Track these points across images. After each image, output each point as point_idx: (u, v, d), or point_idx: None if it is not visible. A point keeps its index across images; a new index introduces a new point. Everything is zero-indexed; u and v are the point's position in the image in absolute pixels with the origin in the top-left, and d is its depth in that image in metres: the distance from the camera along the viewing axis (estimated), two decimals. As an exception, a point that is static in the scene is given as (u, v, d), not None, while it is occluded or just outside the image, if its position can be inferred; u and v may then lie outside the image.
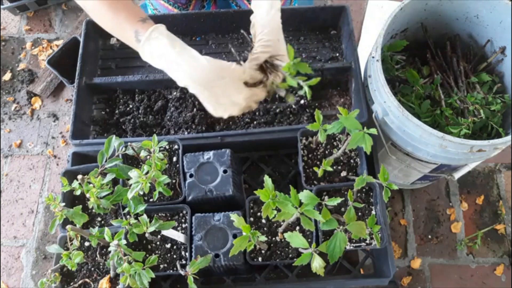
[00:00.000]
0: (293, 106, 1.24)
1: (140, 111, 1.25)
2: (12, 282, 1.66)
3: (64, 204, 0.90)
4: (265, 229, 1.02)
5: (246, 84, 0.87)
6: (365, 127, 0.89)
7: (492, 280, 1.61)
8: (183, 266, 0.96)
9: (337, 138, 1.11)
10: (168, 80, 1.24)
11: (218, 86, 0.84)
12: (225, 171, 1.03)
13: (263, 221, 1.03)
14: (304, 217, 0.83)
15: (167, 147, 1.11)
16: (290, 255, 0.98)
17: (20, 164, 1.86)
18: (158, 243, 1.01)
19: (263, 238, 0.86)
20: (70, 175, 1.05)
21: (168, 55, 0.84)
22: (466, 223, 1.70)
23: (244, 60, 0.90)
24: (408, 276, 1.62)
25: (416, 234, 1.68)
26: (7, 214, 1.77)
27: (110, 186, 0.91)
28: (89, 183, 0.90)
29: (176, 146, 1.11)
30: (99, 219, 1.07)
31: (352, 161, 1.09)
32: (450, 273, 1.63)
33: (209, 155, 1.06)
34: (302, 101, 1.25)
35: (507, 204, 1.72)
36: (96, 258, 1.02)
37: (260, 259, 0.98)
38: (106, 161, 0.94)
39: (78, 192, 0.90)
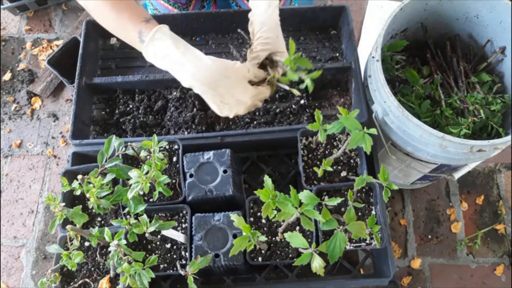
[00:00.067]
0: (293, 106, 1.24)
1: (140, 111, 1.25)
2: (12, 282, 1.66)
3: (64, 204, 0.90)
4: (265, 229, 1.02)
5: (251, 83, 0.87)
6: (365, 127, 0.89)
7: (492, 280, 1.61)
8: (183, 266, 0.96)
9: (337, 138, 1.11)
10: (168, 80, 1.25)
11: (223, 86, 0.84)
12: (225, 171, 1.03)
13: (263, 221, 1.03)
14: (304, 217, 0.83)
15: (167, 147, 1.11)
16: (290, 255, 0.98)
17: (20, 164, 1.86)
18: (158, 243, 1.01)
19: (263, 238, 0.86)
20: (70, 175, 1.05)
21: (172, 56, 0.84)
22: (466, 223, 1.70)
23: (244, 59, 0.90)
24: (408, 276, 1.62)
25: (416, 234, 1.68)
26: (7, 214, 1.77)
27: (110, 186, 0.91)
28: (89, 183, 0.90)
29: (176, 146, 1.11)
30: (99, 219, 1.07)
31: (352, 161, 1.09)
32: (450, 273, 1.63)
33: (209, 155, 1.06)
34: (302, 101, 1.25)
35: (507, 204, 1.72)
36: (96, 258, 1.02)
37: (260, 259, 0.98)
38: (106, 161, 0.94)
39: (78, 192, 0.90)
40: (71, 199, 1.08)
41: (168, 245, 1.01)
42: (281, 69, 0.88)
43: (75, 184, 0.91)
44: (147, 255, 0.93)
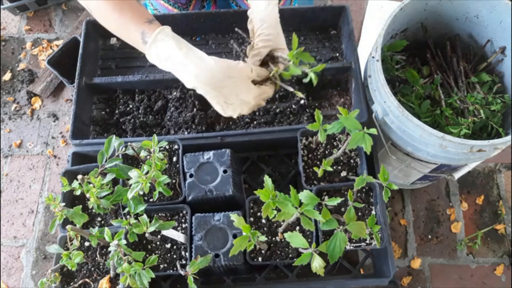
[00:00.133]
0: (293, 106, 1.24)
1: (140, 111, 1.25)
2: (12, 282, 1.66)
3: (64, 204, 0.90)
4: (265, 229, 1.02)
5: (254, 82, 0.87)
6: (365, 127, 0.89)
7: (492, 280, 1.61)
8: (183, 266, 0.96)
9: (337, 138, 1.11)
10: (168, 80, 1.25)
11: (226, 86, 0.84)
12: (225, 171, 1.03)
13: (263, 221, 1.03)
14: (304, 217, 0.83)
15: (167, 147, 1.11)
16: (290, 255, 0.98)
17: (20, 164, 1.86)
18: (158, 243, 1.01)
19: (263, 238, 0.86)
20: (70, 175, 1.05)
21: (175, 57, 0.84)
22: (466, 223, 1.70)
23: (245, 55, 0.90)
24: (408, 276, 1.62)
25: (416, 234, 1.68)
26: (7, 214, 1.77)
27: (110, 186, 0.91)
28: (89, 183, 0.90)
29: (176, 146, 1.11)
30: (99, 219, 1.07)
31: (352, 161, 1.09)
32: (450, 273, 1.63)
33: (209, 155, 1.06)
34: (302, 101, 1.25)
35: (507, 204, 1.72)
36: (96, 258, 1.02)
37: (260, 259, 0.98)
38: (106, 161, 0.94)
39: (78, 192, 0.90)
40: (71, 199, 1.08)
41: (168, 245, 1.01)
42: (283, 65, 0.88)
43: (75, 184, 0.91)
44: (147, 255, 0.93)
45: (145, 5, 1.53)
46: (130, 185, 0.88)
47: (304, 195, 0.83)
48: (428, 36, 1.30)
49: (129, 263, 0.83)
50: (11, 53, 2.08)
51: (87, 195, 0.89)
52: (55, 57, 1.85)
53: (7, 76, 2.02)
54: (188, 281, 0.86)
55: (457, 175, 1.30)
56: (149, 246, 1.01)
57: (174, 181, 1.07)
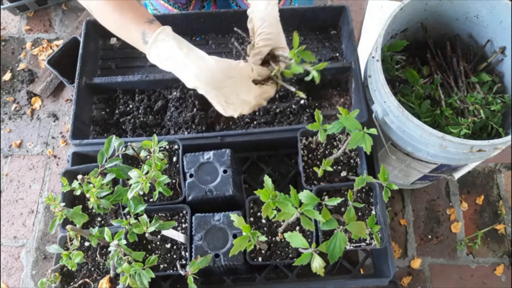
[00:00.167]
0: (293, 106, 1.24)
1: (140, 111, 1.25)
2: (12, 282, 1.66)
3: (64, 204, 0.90)
4: (265, 229, 1.02)
5: (255, 82, 0.87)
6: (365, 127, 0.89)
7: (492, 280, 1.61)
8: (183, 266, 0.96)
9: (337, 138, 1.11)
10: (168, 80, 1.25)
11: (227, 86, 0.84)
12: (225, 171, 1.03)
13: (263, 221, 1.03)
14: (304, 217, 0.83)
15: (167, 147, 1.11)
16: (290, 255, 0.98)
17: (20, 164, 1.86)
18: (158, 243, 1.01)
19: (263, 238, 0.86)
20: (70, 175, 1.05)
21: (175, 57, 0.84)
22: (466, 223, 1.70)
23: (246, 53, 0.90)
24: (408, 276, 1.62)
25: (416, 234, 1.68)
26: (7, 214, 1.77)
27: (110, 186, 0.91)
28: (89, 183, 0.90)
29: (176, 146, 1.11)
30: (99, 219, 1.07)
31: (352, 161, 1.09)
32: (450, 273, 1.63)
33: (209, 155, 1.06)
34: (302, 101, 1.25)
35: (507, 204, 1.72)
36: (96, 258, 1.02)
37: (260, 259, 0.98)
38: (106, 161, 0.94)
39: (78, 192, 0.90)
40: (71, 199, 1.08)
41: (168, 245, 1.01)
42: (284, 64, 0.88)
43: (75, 184, 0.91)
44: (147, 255, 0.93)
45: (145, 5, 1.53)
46: (130, 185, 0.88)
47: (304, 195, 0.83)
48: (428, 36, 1.30)
49: (129, 263, 0.83)
50: (11, 53, 2.08)
51: (87, 195, 0.89)
52: (55, 57, 1.85)
53: (7, 76, 2.02)
54: (188, 281, 0.86)
55: (457, 175, 1.30)
56: (149, 246, 1.01)
57: (174, 181, 1.07)
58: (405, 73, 1.25)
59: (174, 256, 1.00)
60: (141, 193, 0.88)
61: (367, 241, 0.97)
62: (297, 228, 1.01)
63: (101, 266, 1.02)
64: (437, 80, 1.23)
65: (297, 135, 1.08)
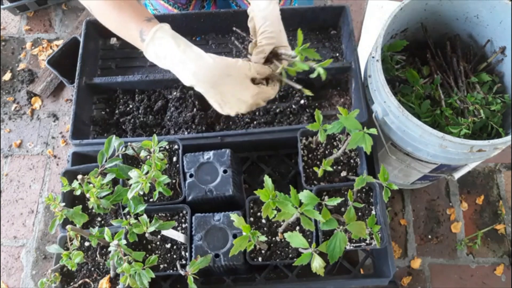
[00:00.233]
0: (293, 106, 1.24)
1: (140, 111, 1.25)
2: (12, 282, 1.66)
3: (64, 204, 0.90)
4: (265, 229, 1.02)
5: (254, 81, 0.87)
6: (365, 127, 0.89)
7: (492, 280, 1.61)
8: (183, 266, 0.96)
9: (337, 138, 1.11)
10: (168, 80, 1.25)
11: (224, 84, 0.84)
12: (225, 171, 1.03)
13: (263, 221, 1.03)
14: (304, 217, 0.83)
15: (167, 147, 1.11)
16: (290, 255, 0.98)
17: (20, 164, 1.86)
18: (158, 243, 1.01)
19: (263, 238, 0.86)
20: (70, 175, 1.05)
21: (173, 55, 0.84)
22: (466, 223, 1.70)
23: (247, 51, 0.90)
24: (408, 276, 1.62)
25: (416, 234, 1.68)
26: (7, 214, 1.77)
27: (110, 186, 0.91)
28: (89, 183, 0.90)
29: (176, 146, 1.11)
30: (99, 219, 1.07)
31: (352, 161, 1.09)
32: (450, 273, 1.63)
33: (209, 155, 1.06)
34: (302, 101, 1.25)
35: (507, 204, 1.72)
36: (96, 258, 1.02)
37: (260, 259, 0.98)
38: (106, 161, 0.94)
39: (78, 192, 0.90)
40: (71, 199, 1.08)
41: (168, 245, 1.01)
42: (286, 62, 0.88)
43: (75, 184, 0.91)
44: (147, 255, 0.93)
45: (145, 5, 1.53)
46: (130, 185, 0.88)
47: (304, 195, 0.83)
48: (428, 36, 1.30)
49: (129, 263, 0.83)
50: (11, 53, 2.08)
51: (87, 195, 0.89)
52: (55, 57, 1.85)
53: (7, 76, 2.02)
54: (188, 281, 0.86)
55: (457, 175, 1.30)
56: (149, 246, 1.01)
57: (174, 181, 1.07)
58: (405, 73, 1.25)
59: (174, 256, 1.00)
60: (141, 193, 0.88)
61: (367, 241, 0.97)
62: (297, 228, 1.01)
63: (101, 266, 1.02)
64: (437, 80, 1.23)
65: (297, 135, 1.08)
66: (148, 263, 0.85)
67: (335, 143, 1.11)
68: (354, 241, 0.97)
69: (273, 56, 0.89)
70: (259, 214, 1.03)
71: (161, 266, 0.99)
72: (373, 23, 2.02)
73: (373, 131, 0.88)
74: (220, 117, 1.23)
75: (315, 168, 1.03)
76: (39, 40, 2.10)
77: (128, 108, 1.27)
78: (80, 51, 1.26)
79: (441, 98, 1.20)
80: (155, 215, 1.00)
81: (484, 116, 1.16)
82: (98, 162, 0.93)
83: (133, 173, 0.89)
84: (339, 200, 0.85)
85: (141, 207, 0.90)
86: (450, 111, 1.17)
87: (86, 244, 1.04)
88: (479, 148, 1.02)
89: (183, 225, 1.03)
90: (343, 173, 1.07)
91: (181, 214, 1.04)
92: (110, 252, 0.86)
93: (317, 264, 0.82)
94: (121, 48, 1.36)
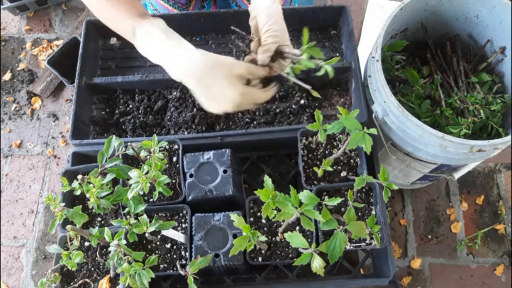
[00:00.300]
0: (293, 106, 1.24)
1: (140, 111, 1.25)
2: (12, 282, 1.66)
3: (64, 204, 0.90)
4: (265, 229, 1.02)
5: (249, 82, 0.87)
6: (365, 127, 0.89)
7: (492, 280, 1.61)
8: (183, 266, 0.96)
9: (337, 138, 1.11)
10: (168, 80, 1.24)
11: (210, 80, 0.84)
12: (225, 171, 1.03)
13: (263, 221, 1.03)
14: (304, 217, 0.83)
15: (167, 147, 1.11)
16: (290, 255, 0.98)
17: (20, 164, 1.86)
18: (158, 243, 1.01)
19: (263, 238, 0.86)
20: (70, 175, 1.05)
21: (163, 50, 0.85)
22: (466, 223, 1.70)
23: (249, 49, 0.90)
24: (408, 276, 1.62)
25: (416, 234, 1.68)
26: (7, 214, 1.77)
27: (110, 186, 0.91)
28: (89, 183, 0.90)
29: (176, 146, 1.11)
30: (99, 219, 1.07)
31: (352, 161, 1.09)
32: (450, 273, 1.63)
33: (209, 155, 1.06)
34: (302, 101, 1.25)
35: (507, 204, 1.72)
36: (96, 258, 1.02)
37: (260, 259, 0.98)
38: (106, 161, 0.94)
39: (78, 192, 0.90)
40: (71, 199, 1.08)
41: (168, 245, 1.01)
42: (289, 60, 0.88)
43: (75, 184, 0.91)
44: (147, 255, 0.93)
45: (145, 5, 1.53)
46: (130, 185, 0.88)
47: (304, 195, 0.83)
48: (428, 36, 1.30)
49: (129, 263, 0.83)
50: (11, 53, 2.08)
51: (87, 195, 0.89)
52: (55, 57, 1.85)
53: (7, 76, 2.02)
54: (188, 281, 0.86)
55: (457, 175, 1.30)
56: (149, 246, 1.01)
57: (174, 181, 1.07)
58: (405, 73, 1.25)
59: (174, 256, 1.00)
60: (141, 193, 0.88)
61: (367, 241, 0.97)
62: (297, 228, 1.01)
63: (101, 266, 1.02)
64: (437, 80, 1.23)
65: (297, 135, 1.08)
66: (148, 263, 0.85)
67: (335, 143, 1.11)
68: (354, 241, 0.97)
69: (276, 55, 0.89)
70: (259, 214, 1.03)
71: (161, 266, 0.99)
72: (373, 23, 2.02)
73: (373, 131, 0.88)
74: (220, 117, 1.23)
75: (315, 168, 1.03)
76: (39, 40, 2.10)
77: (128, 108, 1.27)
78: (80, 51, 1.26)
79: (441, 98, 1.20)
80: (155, 215, 1.00)
81: (484, 116, 1.16)
82: (98, 162, 0.93)
83: (133, 173, 0.89)
84: (339, 200, 0.85)
85: (141, 207, 0.90)
86: (450, 111, 1.17)
87: (86, 244, 1.04)
88: (479, 148, 1.02)
89: (183, 225, 1.03)
90: (343, 173, 1.07)
91: (181, 214, 1.04)
92: (110, 252, 0.86)
93: (317, 264, 0.82)
94: (121, 48, 1.36)
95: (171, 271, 0.97)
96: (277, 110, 1.24)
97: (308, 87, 0.88)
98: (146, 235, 0.92)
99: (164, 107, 1.26)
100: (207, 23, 1.34)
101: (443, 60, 1.28)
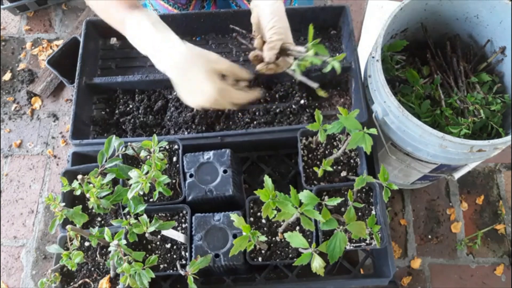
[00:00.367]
0: (293, 106, 1.24)
1: (140, 111, 1.25)
2: (12, 282, 1.66)
3: (64, 204, 0.90)
4: (265, 229, 1.02)
5: (236, 85, 0.89)
6: (365, 127, 0.89)
7: (492, 280, 1.61)
8: (183, 266, 0.96)
9: (337, 138, 1.11)
10: (168, 80, 1.23)
11: (191, 73, 0.86)
12: (225, 171, 1.03)
13: (263, 221, 1.03)
14: (304, 217, 0.83)
15: (167, 147, 1.11)
16: (290, 255, 0.98)
17: (20, 164, 1.86)
18: (158, 243, 1.01)
19: (263, 238, 0.86)
20: (70, 175, 1.05)
21: (153, 41, 0.87)
22: (466, 223, 1.70)
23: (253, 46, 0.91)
24: (408, 276, 1.62)
25: (416, 234, 1.68)
26: (7, 214, 1.77)
27: (110, 186, 0.91)
28: (89, 183, 0.90)
29: (176, 146, 1.11)
30: (99, 219, 1.07)
31: (352, 161, 1.09)
32: (450, 273, 1.63)
33: (209, 155, 1.06)
34: (302, 101, 1.25)
35: (507, 204, 1.72)
36: (96, 258, 1.02)
37: (260, 259, 0.98)
38: (106, 161, 0.94)
39: (78, 192, 0.90)
40: (71, 199, 1.08)
41: (168, 245, 1.01)
42: (293, 57, 0.88)
43: (75, 184, 0.91)
44: (147, 255, 0.93)
45: (144, 5, 1.53)
46: (130, 185, 0.88)
47: (304, 195, 0.83)
48: (428, 36, 1.30)
49: (129, 263, 0.83)
50: (11, 53, 2.08)
51: (87, 195, 0.89)
52: (55, 57, 1.85)
53: (7, 76, 2.02)
54: (188, 281, 0.86)
55: (457, 175, 1.30)
56: (149, 246, 1.01)
57: (174, 181, 1.07)
58: (405, 73, 1.25)
59: (174, 256, 1.00)
60: (141, 193, 0.88)
61: (367, 241, 0.97)
62: (297, 228, 1.01)
63: (101, 266, 1.02)
64: (437, 80, 1.23)
65: (297, 135, 1.08)
66: (148, 263, 0.85)
67: (335, 143, 1.11)
68: (354, 241, 0.97)
69: (280, 52, 0.89)
70: (259, 214, 1.03)
71: (161, 266, 0.99)
72: (373, 23, 2.02)
73: (373, 131, 0.88)
74: (220, 117, 1.23)
75: (315, 168, 1.03)
76: (39, 40, 2.10)
77: (128, 108, 1.27)
78: (80, 51, 1.26)
79: (441, 98, 1.20)
80: (155, 215, 1.00)
81: (484, 116, 1.16)
82: (98, 162, 0.93)
83: (133, 173, 0.89)
84: (339, 200, 0.85)
85: (141, 207, 0.90)
86: (450, 111, 1.17)
87: (86, 244, 1.04)
88: (479, 148, 1.02)
89: (183, 225, 1.03)
90: (343, 173, 1.07)
91: (181, 214, 1.04)
92: (110, 252, 0.86)
93: (317, 264, 0.82)
94: (121, 48, 1.36)
95: (171, 271, 0.97)
96: (277, 110, 1.24)
97: (315, 85, 0.88)
98: (146, 235, 0.92)
99: (164, 107, 1.26)
100: (207, 23, 1.34)
101: (443, 60, 1.28)
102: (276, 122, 1.22)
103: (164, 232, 0.95)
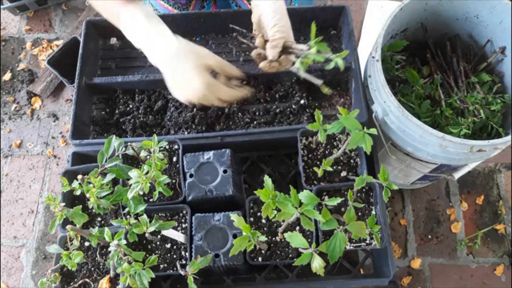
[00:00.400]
0: (293, 106, 1.24)
1: (140, 111, 1.25)
2: (12, 282, 1.66)
3: (64, 204, 0.90)
4: (265, 229, 1.02)
5: (227, 83, 0.90)
6: (365, 127, 0.89)
7: (492, 280, 1.61)
8: (183, 266, 0.96)
9: (337, 138, 1.11)
10: (168, 80, 1.24)
11: (181, 67, 0.87)
12: (225, 171, 1.03)
13: (263, 221, 1.03)
14: (304, 217, 0.83)
15: (167, 147, 1.11)
16: (290, 255, 0.98)
17: (20, 164, 1.86)
18: (158, 243, 1.01)
19: (263, 238, 0.86)
20: (70, 175, 1.05)
21: (148, 35, 0.88)
22: (466, 223, 1.70)
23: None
24: (408, 276, 1.62)
25: (416, 234, 1.68)
26: (7, 214, 1.77)
27: (110, 186, 0.91)
28: (89, 183, 0.90)
29: (176, 146, 1.11)
30: (99, 219, 1.07)
31: (352, 161, 1.09)
32: (450, 273, 1.63)
33: (209, 155, 1.06)
34: (302, 101, 1.25)
35: (507, 204, 1.72)
36: (96, 258, 1.02)
37: (260, 259, 0.98)
38: (106, 161, 0.94)
39: (78, 192, 0.90)
40: (71, 199, 1.08)
41: (168, 245, 1.01)
42: (295, 55, 0.89)
43: (75, 184, 0.91)
44: (147, 255, 0.93)
45: (145, 5, 1.53)
46: (130, 185, 0.88)
47: (304, 195, 0.83)
48: (428, 36, 1.30)
49: (129, 263, 0.83)
50: (11, 53, 2.08)
51: (87, 195, 0.89)
52: (55, 57, 1.85)
53: (7, 76, 2.02)
54: (188, 281, 0.86)
55: (457, 175, 1.30)
56: (149, 246, 1.01)
57: (174, 181, 1.07)
58: (405, 73, 1.25)
59: (174, 256, 1.00)
60: (141, 193, 0.88)
61: (367, 241, 0.97)
62: (297, 228, 1.01)
63: (101, 266, 1.02)
64: (437, 80, 1.23)
65: (297, 135, 1.08)
66: (148, 263, 0.85)
67: (335, 143, 1.11)
68: (354, 241, 0.97)
69: (282, 50, 0.89)
70: (259, 214, 1.03)
71: (161, 266, 0.99)
72: (373, 23, 2.02)
73: (373, 131, 0.88)
74: (220, 117, 1.23)
75: (315, 168, 1.03)
76: (39, 40, 2.10)
77: (128, 108, 1.27)
78: (80, 51, 1.26)
79: (441, 98, 1.20)
80: (155, 215, 1.00)
81: (484, 116, 1.16)
82: (98, 162, 0.93)
83: (133, 173, 0.89)
84: (339, 200, 0.85)
85: (141, 207, 0.90)
86: (450, 111, 1.17)
87: (86, 244, 1.04)
88: (479, 148, 1.02)
89: (183, 225, 1.03)
90: (343, 173, 1.07)
91: (181, 214, 1.04)
92: (110, 252, 0.86)
93: (317, 264, 0.82)
94: (121, 48, 1.36)
95: (171, 271, 0.97)
96: (277, 110, 1.24)
97: (319, 82, 0.88)
98: (146, 235, 0.92)
99: (164, 107, 1.26)
100: (207, 23, 1.34)
101: (443, 60, 1.28)
102: (276, 122, 1.22)
103: (164, 232, 0.95)
